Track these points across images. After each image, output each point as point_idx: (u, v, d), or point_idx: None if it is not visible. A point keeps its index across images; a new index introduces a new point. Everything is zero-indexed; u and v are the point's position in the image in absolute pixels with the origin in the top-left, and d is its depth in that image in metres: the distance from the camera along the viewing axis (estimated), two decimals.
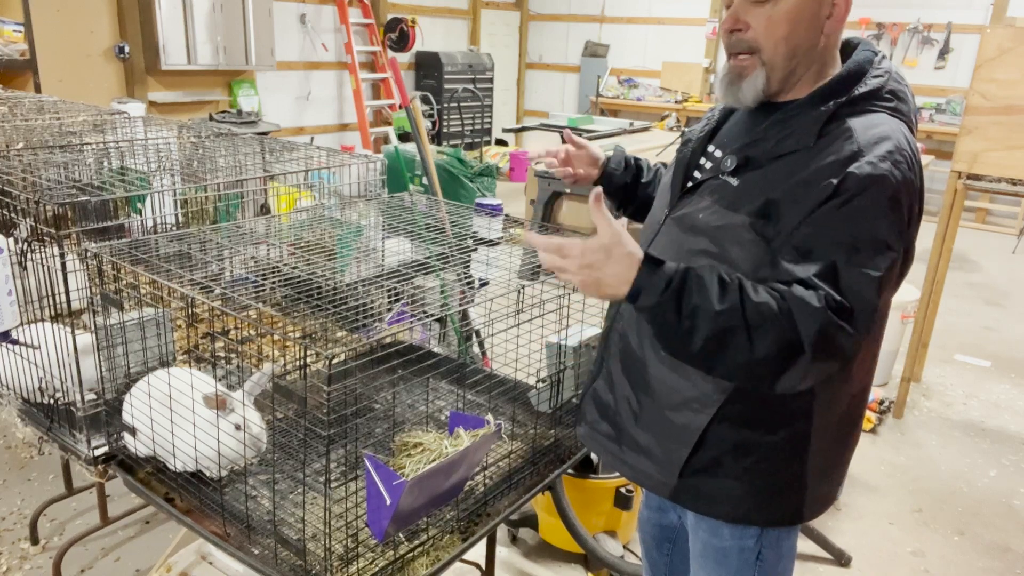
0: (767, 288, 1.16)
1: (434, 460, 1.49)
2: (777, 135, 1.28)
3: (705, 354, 1.17)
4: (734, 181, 1.31)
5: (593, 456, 2.38)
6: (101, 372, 1.60)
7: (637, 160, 1.74)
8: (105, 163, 2.28)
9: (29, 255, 1.82)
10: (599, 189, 1.23)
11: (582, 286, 1.22)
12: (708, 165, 1.41)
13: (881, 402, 3.81)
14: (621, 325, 1.48)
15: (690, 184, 1.41)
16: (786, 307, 1.13)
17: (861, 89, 1.26)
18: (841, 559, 2.72)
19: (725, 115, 1.47)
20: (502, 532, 2.73)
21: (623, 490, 2.44)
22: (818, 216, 1.18)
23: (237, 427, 1.46)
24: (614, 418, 1.48)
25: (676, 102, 9.42)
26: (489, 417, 1.53)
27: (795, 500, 1.38)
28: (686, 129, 1.60)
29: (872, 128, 1.22)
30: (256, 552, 1.39)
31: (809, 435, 1.33)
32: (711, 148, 1.43)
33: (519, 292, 1.64)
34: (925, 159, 6.42)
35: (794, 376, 1.16)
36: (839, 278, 1.16)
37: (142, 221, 2.13)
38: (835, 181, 1.17)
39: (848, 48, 1.37)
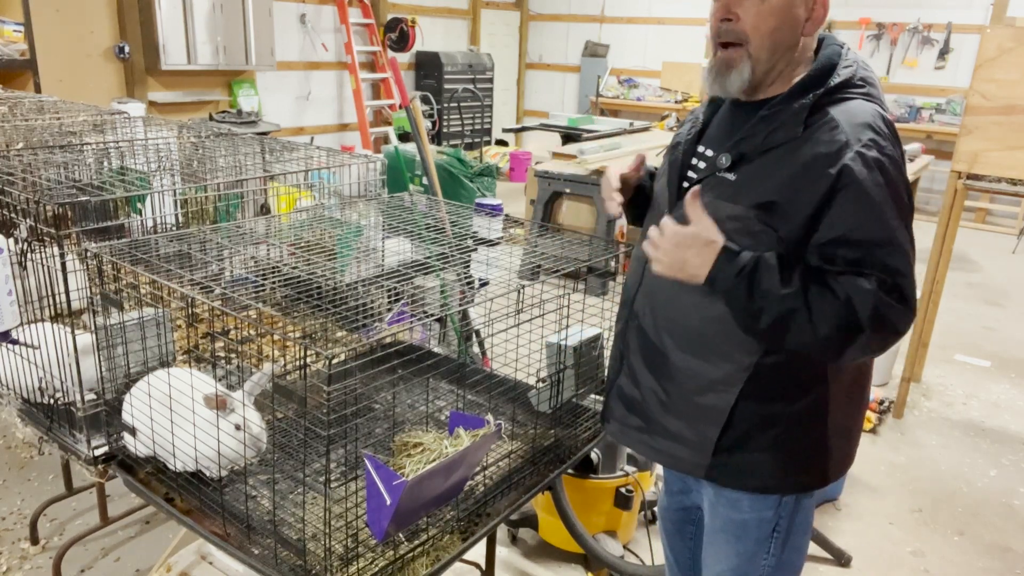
0: (828, 276, 1.29)
1: (434, 460, 1.49)
2: (765, 129, 1.36)
3: (772, 332, 1.32)
4: (731, 176, 1.39)
5: (593, 456, 2.38)
6: (101, 372, 1.60)
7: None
8: (105, 163, 2.28)
9: (29, 255, 1.81)
10: (696, 188, 1.36)
11: (667, 267, 1.36)
12: (702, 165, 1.48)
13: (881, 402, 3.81)
14: (637, 323, 1.55)
15: (686, 184, 1.48)
16: (843, 292, 1.26)
17: (835, 80, 1.36)
18: (841, 559, 2.72)
19: (709, 116, 1.54)
20: (502, 532, 2.73)
21: (623, 490, 2.44)
22: (835, 213, 1.28)
23: (237, 427, 1.46)
24: (642, 410, 1.55)
25: (676, 102, 9.42)
26: (489, 417, 1.54)
27: (820, 464, 1.47)
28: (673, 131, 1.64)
29: (853, 116, 1.32)
30: (256, 552, 1.40)
31: (828, 400, 1.43)
32: (701, 148, 1.50)
33: (519, 292, 1.64)
34: (925, 159, 6.42)
35: (856, 351, 1.30)
36: (877, 261, 1.28)
37: (142, 221, 2.13)
38: (833, 171, 1.28)
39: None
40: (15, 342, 1.79)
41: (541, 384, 1.87)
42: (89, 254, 1.54)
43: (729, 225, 1.35)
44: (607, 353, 1.80)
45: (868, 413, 3.62)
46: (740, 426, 1.43)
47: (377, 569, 1.36)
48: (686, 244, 1.33)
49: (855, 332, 1.27)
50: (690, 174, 1.49)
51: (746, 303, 1.30)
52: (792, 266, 1.30)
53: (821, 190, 1.28)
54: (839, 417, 1.45)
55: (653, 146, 6.12)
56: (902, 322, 1.29)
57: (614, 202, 1.59)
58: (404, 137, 7.13)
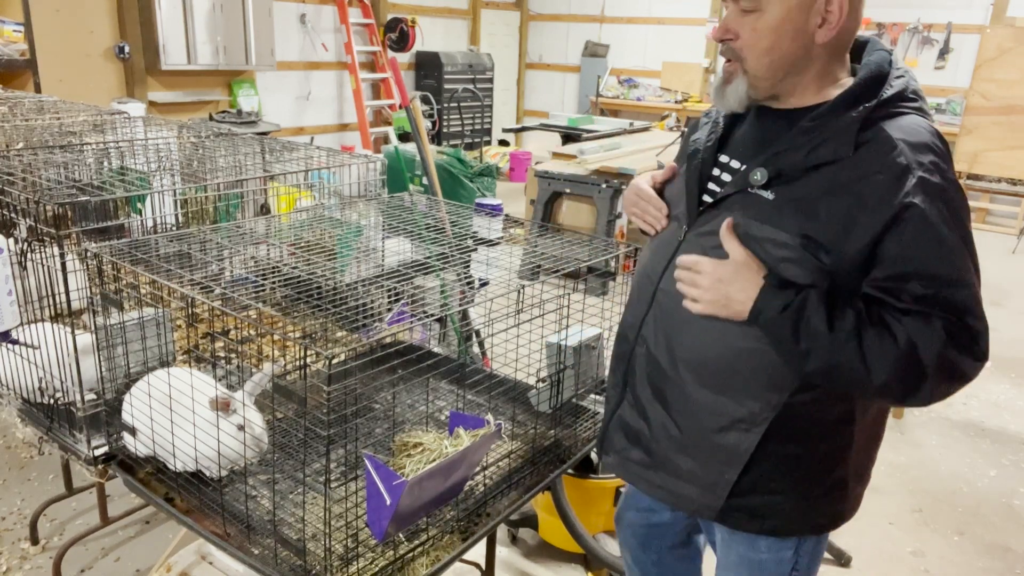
0: (888, 315, 1.17)
1: (434, 460, 1.49)
2: (808, 144, 1.23)
3: (822, 376, 1.21)
4: (768, 194, 1.26)
5: (593, 456, 2.38)
6: (101, 372, 1.60)
7: None
8: (105, 163, 2.28)
9: (29, 255, 1.81)
10: (731, 219, 1.26)
11: (711, 304, 1.26)
12: (726, 177, 1.36)
13: None
14: (645, 349, 1.42)
15: (708, 198, 1.36)
16: (905, 336, 1.15)
17: (888, 92, 1.23)
18: (841, 559, 2.72)
19: (731, 122, 1.42)
20: (502, 532, 2.73)
21: (623, 490, 2.43)
22: (897, 246, 1.16)
23: (240, 427, 1.46)
24: (649, 444, 1.44)
25: (676, 102, 9.42)
26: (489, 417, 1.53)
27: (839, 504, 1.38)
28: (686, 133, 1.55)
29: (910, 136, 1.20)
30: (256, 552, 1.39)
31: (853, 439, 1.33)
32: (724, 159, 1.38)
33: (519, 292, 1.64)
34: None
35: (917, 399, 1.20)
36: (945, 300, 1.16)
37: (142, 221, 2.13)
38: (896, 202, 1.15)
39: (856, 47, 1.33)
40: (15, 342, 1.79)
41: (541, 384, 1.87)
42: (89, 254, 1.54)
43: (766, 249, 1.23)
44: (607, 353, 1.80)
45: None
46: (759, 468, 1.32)
47: (377, 569, 1.36)
48: (728, 280, 1.22)
49: (918, 380, 1.16)
50: (711, 186, 1.36)
51: (791, 343, 1.19)
52: (844, 303, 1.18)
53: (881, 221, 1.15)
54: (860, 456, 1.37)
55: (653, 146, 6.12)
56: (971, 370, 1.18)
57: (661, 215, 1.43)
58: (404, 137, 7.13)
